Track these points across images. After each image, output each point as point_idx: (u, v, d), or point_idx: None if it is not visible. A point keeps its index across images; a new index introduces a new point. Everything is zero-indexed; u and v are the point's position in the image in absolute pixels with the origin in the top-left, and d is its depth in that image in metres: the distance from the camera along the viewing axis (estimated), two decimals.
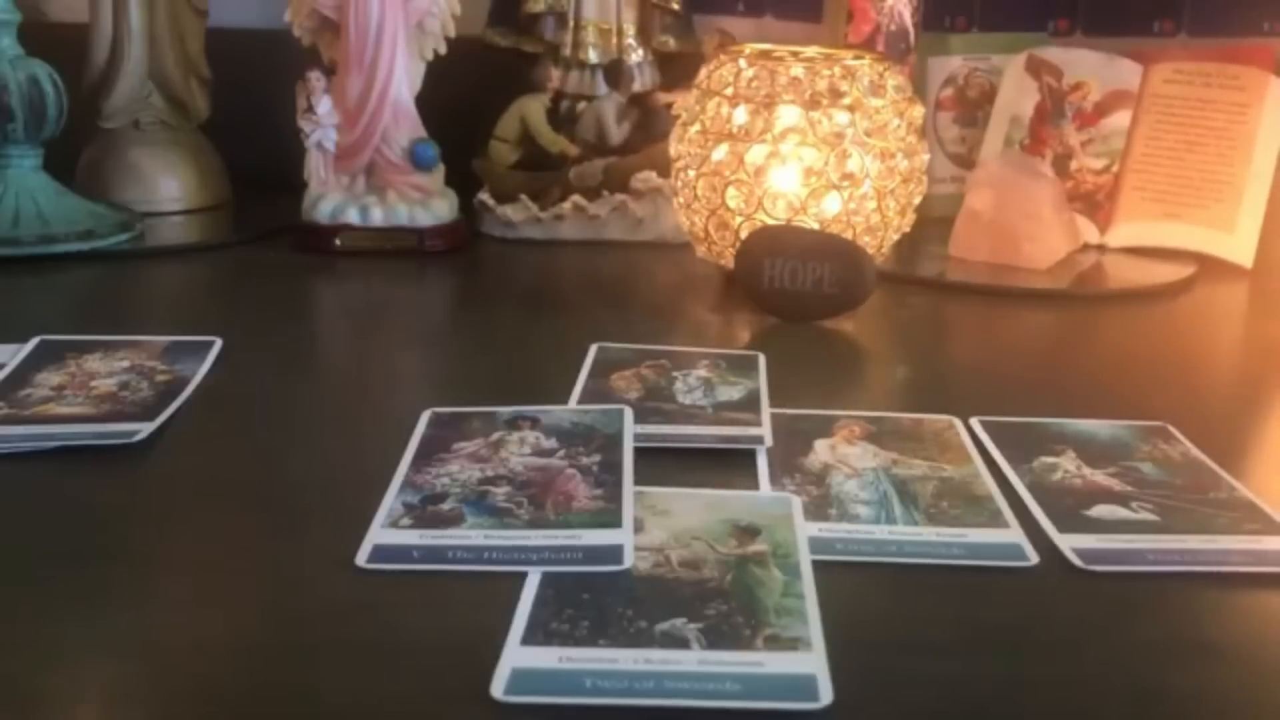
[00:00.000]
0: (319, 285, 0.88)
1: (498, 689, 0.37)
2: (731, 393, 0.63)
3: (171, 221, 0.98)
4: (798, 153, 0.78)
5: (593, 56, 1.00)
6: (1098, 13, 1.04)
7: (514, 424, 0.58)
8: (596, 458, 0.54)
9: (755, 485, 0.53)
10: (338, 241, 0.91)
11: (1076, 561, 0.47)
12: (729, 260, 0.81)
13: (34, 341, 0.67)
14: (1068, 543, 0.48)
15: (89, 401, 0.60)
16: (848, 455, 0.56)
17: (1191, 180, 0.95)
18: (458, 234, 0.94)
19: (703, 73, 0.84)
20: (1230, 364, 0.79)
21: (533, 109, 0.97)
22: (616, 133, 0.98)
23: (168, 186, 1.00)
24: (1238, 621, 0.44)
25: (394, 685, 0.38)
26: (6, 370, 0.64)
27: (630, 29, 1.01)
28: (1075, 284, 0.89)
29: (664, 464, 0.54)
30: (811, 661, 0.39)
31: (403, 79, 0.90)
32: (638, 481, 0.52)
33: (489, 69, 0.99)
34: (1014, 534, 0.49)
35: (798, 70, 0.79)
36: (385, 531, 0.47)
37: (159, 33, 0.99)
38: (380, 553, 0.46)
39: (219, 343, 0.69)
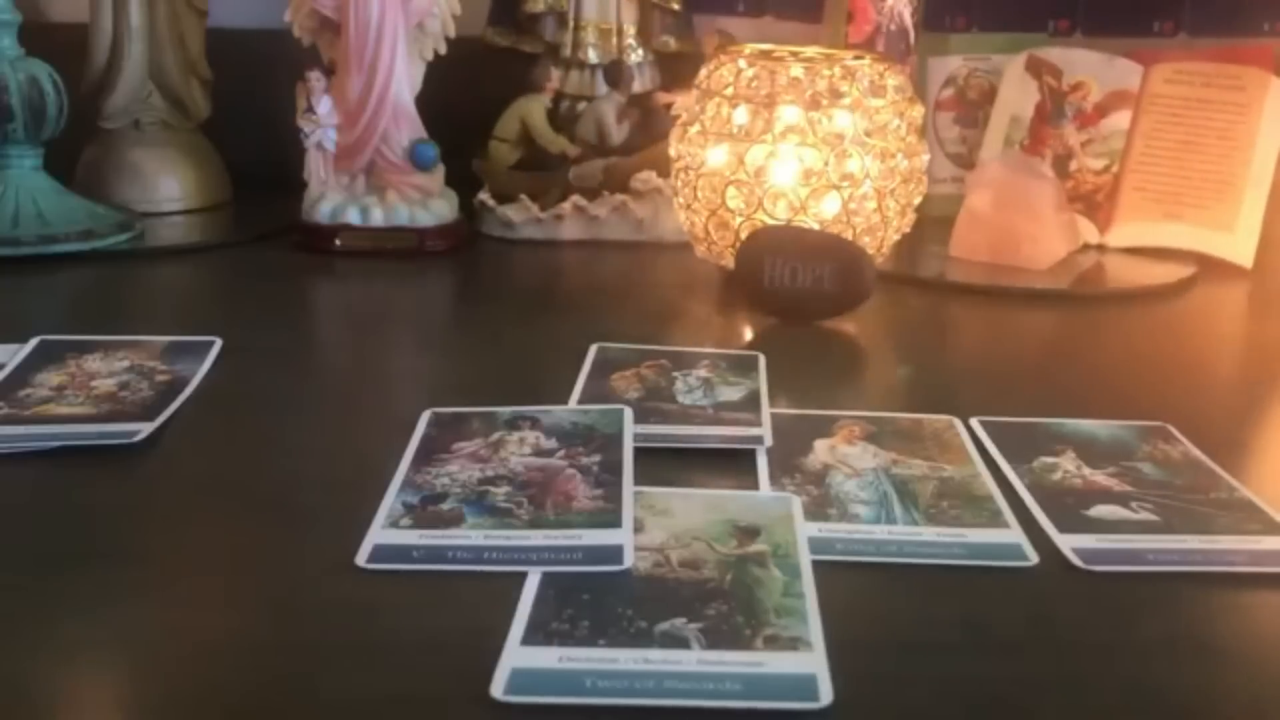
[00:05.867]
0: (319, 285, 0.88)
1: (498, 689, 0.37)
2: (731, 393, 0.63)
3: (171, 221, 0.98)
4: (798, 153, 0.78)
5: (593, 57, 1.00)
6: (1098, 13, 1.04)
7: (514, 424, 0.58)
8: (596, 458, 0.54)
9: (755, 485, 0.53)
10: (338, 241, 0.91)
11: (1076, 561, 0.47)
12: (729, 260, 0.81)
13: (34, 341, 0.67)
14: (1068, 543, 0.48)
15: (89, 401, 0.60)
16: (848, 455, 0.56)
17: (1191, 180, 0.95)
18: (458, 234, 0.94)
19: (703, 73, 0.83)
20: (1230, 364, 0.79)
21: (533, 109, 0.97)
22: (616, 133, 0.97)
23: (167, 186, 1.00)
24: (1238, 621, 0.44)
25: (394, 685, 0.38)
26: (6, 370, 0.64)
27: (630, 29, 1.01)
28: (1075, 284, 0.89)
29: (664, 464, 0.54)
30: (811, 661, 0.39)
31: (403, 79, 0.90)
32: (638, 481, 0.52)
33: (489, 69, 0.99)
34: (1014, 534, 0.49)
35: (798, 70, 0.79)
36: (385, 531, 0.47)
37: (159, 33, 0.99)
38: (380, 553, 0.46)
39: (219, 343, 0.69)
